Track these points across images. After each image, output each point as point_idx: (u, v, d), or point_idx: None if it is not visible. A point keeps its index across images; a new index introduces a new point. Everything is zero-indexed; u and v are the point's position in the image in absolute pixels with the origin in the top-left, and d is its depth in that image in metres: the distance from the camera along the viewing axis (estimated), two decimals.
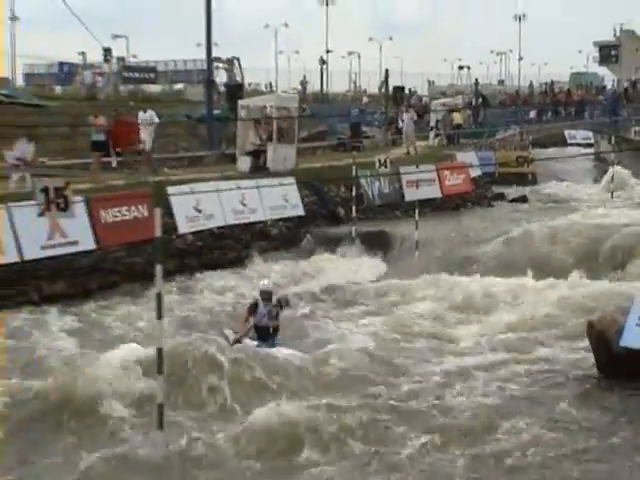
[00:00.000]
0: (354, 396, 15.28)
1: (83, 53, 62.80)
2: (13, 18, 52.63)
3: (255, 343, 17.28)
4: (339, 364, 16.82)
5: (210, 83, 44.92)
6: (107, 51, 59.47)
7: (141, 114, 32.91)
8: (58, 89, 51.02)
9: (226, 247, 26.41)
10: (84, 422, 14.03)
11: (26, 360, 16.87)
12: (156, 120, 31.97)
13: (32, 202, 19.30)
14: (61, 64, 54.74)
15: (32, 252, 21.41)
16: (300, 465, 12.87)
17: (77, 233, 22.38)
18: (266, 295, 17.57)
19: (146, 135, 31.89)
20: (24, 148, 26.87)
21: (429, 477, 12.50)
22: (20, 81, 48.76)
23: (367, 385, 16.05)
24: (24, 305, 20.59)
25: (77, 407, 14.34)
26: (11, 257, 20.92)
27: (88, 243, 22.86)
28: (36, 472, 12.73)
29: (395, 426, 14.04)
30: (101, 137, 30.81)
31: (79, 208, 20.56)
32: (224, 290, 22.88)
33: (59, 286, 21.56)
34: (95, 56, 60.58)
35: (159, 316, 12.94)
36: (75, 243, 22.50)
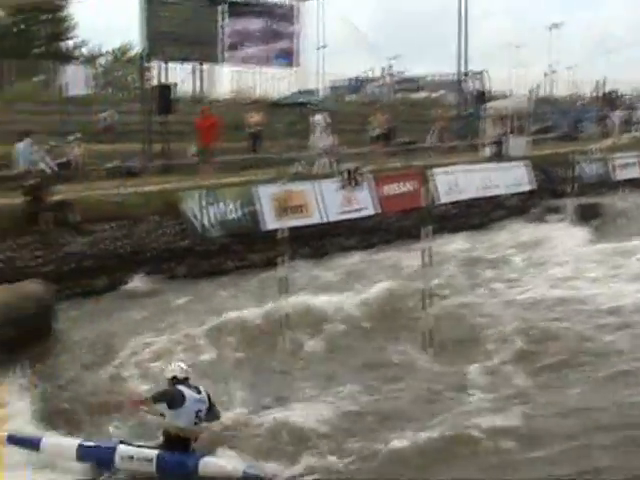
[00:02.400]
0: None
1: (369, 70, 65.14)
2: (322, 47, 53.55)
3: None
4: None
5: (461, 91, 45.03)
6: (385, 68, 61.10)
7: (315, 117, 30.14)
8: (351, 97, 51.78)
9: (472, 215, 26.59)
10: None
11: None
12: (329, 120, 29.25)
13: (334, 179, 20.21)
14: (353, 79, 55.78)
15: (333, 216, 22.16)
16: None
17: (363, 202, 22.93)
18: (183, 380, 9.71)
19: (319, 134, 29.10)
20: (325, 139, 27.78)
21: None
22: (327, 92, 49.78)
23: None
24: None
25: None
26: (319, 219, 21.79)
27: (371, 209, 23.38)
28: None
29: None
30: (376, 132, 31.60)
31: (367, 183, 21.41)
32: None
33: (352, 241, 22.20)
34: (377, 72, 62.66)
35: (429, 263, 13.40)
36: (362, 209, 23.06)
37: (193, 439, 9.52)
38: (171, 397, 9.45)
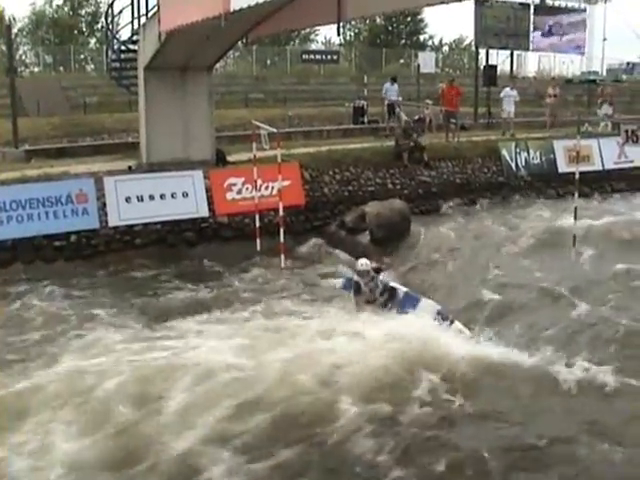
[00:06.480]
0: None
1: None
2: (604, 39, 47.89)
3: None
4: None
5: None
6: None
7: (507, 90, 22.89)
8: (626, 77, 46.19)
9: None
10: None
11: None
12: (517, 99, 22.67)
13: (613, 138, 18.43)
14: (629, 63, 49.52)
15: (609, 165, 19.93)
16: None
17: (633, 156, 20.01)
18: (364, 274, 9.72)
19: (508, 105, 22.44)
20: (606, 108, 25.49)
21: None
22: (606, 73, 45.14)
23: None
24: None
25: None
26: (599, 167, 19.67)
27: (638, 162, 20.25)
28: None
29: None
30: None
31: None
32: None
33: (620, 185, 20.00)
34: None
35: None
36: (631, 161, 20.31)
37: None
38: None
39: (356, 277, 9.85)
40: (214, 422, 6.94)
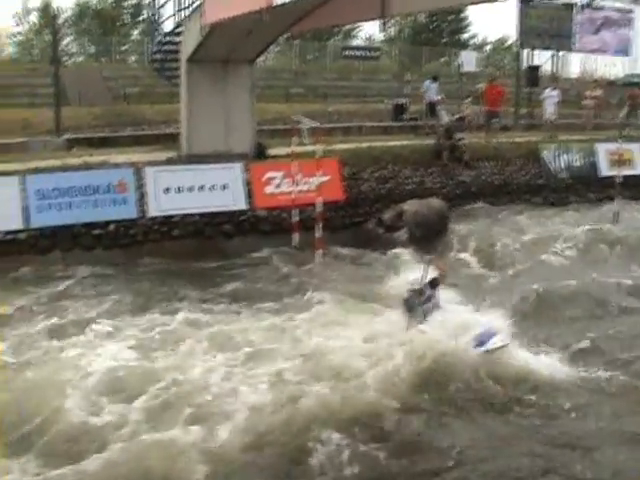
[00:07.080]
0: None
1: None
2: None
3: None
4: None
5: None
6: None
7: (547, 91, 22.32)
8: None
9: None
10: None
11: None
12: (558, 100, 21.76)
13: None
14: None
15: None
16: None
17: None
18: (416, 293, 8.52)
19: (550, 107, 21.75)
20: None
21: None
22: None
23: None
24: None
25: None
26: (638, 171, 18.67)
27: None
28: None
29: None
30: None
31: None
32: None
33: None
34: None
35: None
36: None
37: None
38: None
39: (407, 295, 8.67)
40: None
